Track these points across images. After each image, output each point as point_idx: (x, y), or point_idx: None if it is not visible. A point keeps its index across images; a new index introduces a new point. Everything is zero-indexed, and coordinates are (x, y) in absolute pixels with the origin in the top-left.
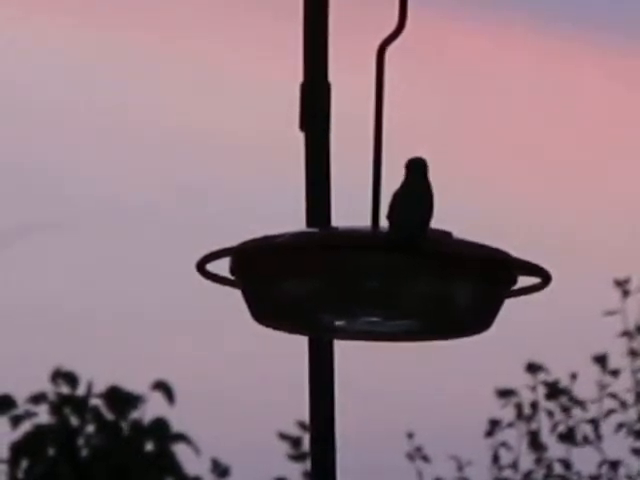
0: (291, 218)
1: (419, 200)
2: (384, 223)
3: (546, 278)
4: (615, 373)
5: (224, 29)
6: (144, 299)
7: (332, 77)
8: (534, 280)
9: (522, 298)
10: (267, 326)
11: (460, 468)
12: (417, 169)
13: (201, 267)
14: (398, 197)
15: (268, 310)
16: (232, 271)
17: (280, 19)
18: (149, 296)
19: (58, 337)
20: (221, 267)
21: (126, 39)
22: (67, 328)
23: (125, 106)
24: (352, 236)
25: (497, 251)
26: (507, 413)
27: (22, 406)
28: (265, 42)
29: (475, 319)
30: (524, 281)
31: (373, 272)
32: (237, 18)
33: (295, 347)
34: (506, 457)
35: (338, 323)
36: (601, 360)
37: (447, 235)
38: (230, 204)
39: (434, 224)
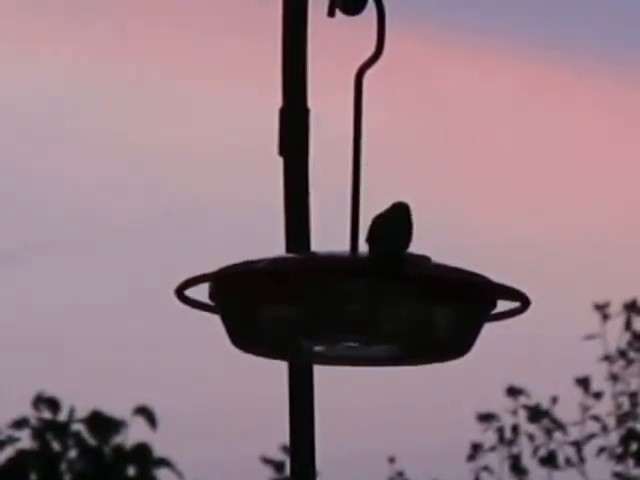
0: (270, 243)
1: (398, 225)
2: (363, 248)
3: (525, 302)
4: (598, 395)
5: (206, 52)
6: (126, 322)
7: (311, 102)
8: (513, 304)
9: (502, 322)
10: (246, 352)
11: None
12: (399, 205)
13: (180, 293)
14: (377, 222)
15: (247, 336)
16: (211, 296)
17: (260, 42)
18: (131, 319)
19: (39, 361)
20: (200, 292)
21: (110, 60)
22: (49, 351)
23: (110, 124)
24: (331, 261)
25: (476, 275)
26: (489, 437)
27: (4, 431)
28: (246, 66)
29: (455, 343)
30: (504, 305)
31: (352, 297)
32: (218, 41)
33: (276, 371)
34: None
35: (318, 348)
36: (584, 382)
37: (426, 260)
38: (209, 228)
39: (412, 248)
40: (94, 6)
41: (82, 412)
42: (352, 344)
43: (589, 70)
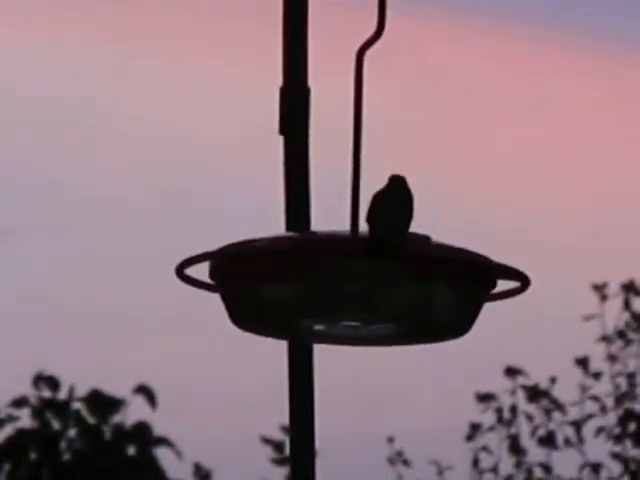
0: (271, 222)
1: (398, 204)
2: (364, 227)
3: (525, 282)
4: (597, 376)
5: (206, 33)
6: (126, 302)
7: (311, 81)
8: (513, 284)
9: (501, 302)
10: (246, 330)
11: (440, 472)
12: (397, 181)
13: (180, 272)
14: (377, 201)
15: (247, 315)
16: (211, 275)
17: (261, 23)
18: (131, 299)
19: (39, 340)
20: (201, 271)
21: (111, 42)
22: (49, 331)
23: (107, 107)
24: (331, 241)
25: (476, 255)
26: (487, 417)
27: (4, 410)
28: (246, 46)
29: (454, 323)
30: (503, 285)
31: (352, 276)
32: (218, 22)
33: (276, 350)
34: (486, 461)
35: (317, 328)
36: (583, 362)
37: (426, 239)
38: (210, 207)
39: (413, 228)
40: None
41: (82, 391)
42: (352, 323)
43: (592, 54)
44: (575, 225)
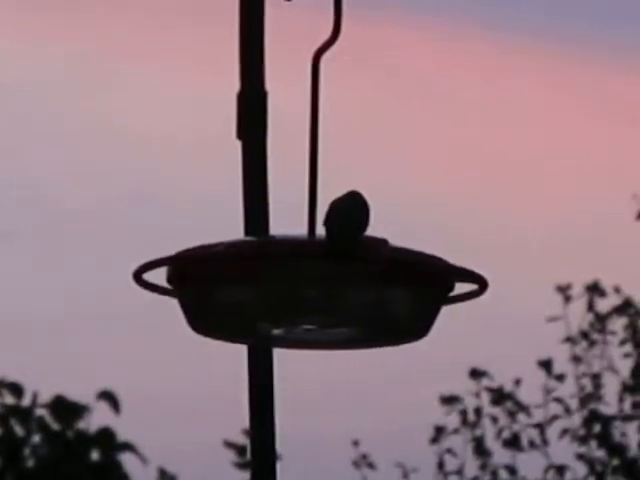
0: (229, 226)
1: (355, 207)
2: (321, 231)
3: (482, 284)
4: (560, 378)
5: (164, 36)
6: (86, 306)
7: (268, 85)
8: (472, 286)
9: (465, 304)
10: (204, 335)
11: (406, 475)
12: (356, 193)
13: (138, 277)
14: (335, 204)
15: (205, 320)
16: (169, 280)
17: (218, 27)
18: (91, 303)
19: (1, 346)
20: (159, 275)
21: (69, 43)
22: (11, 337)
23: (62, 108)
24: (289, 244)
25: (433, 258)
26: (452, 420)
27: None
28: (203, 50)
29: (412, 326)
30: (462, 287)
31: (310, 280)
32: (176, 26)
33: (236, 353)
34: (451, 463)
35: (276, 332)
36: (546, 365)
37: (383, 242)
38: (168, 210)
39: (370, 232)
40: None
41: (45, 397)
42: (310, 327)
43: (559, 54)
44: (539, 226)
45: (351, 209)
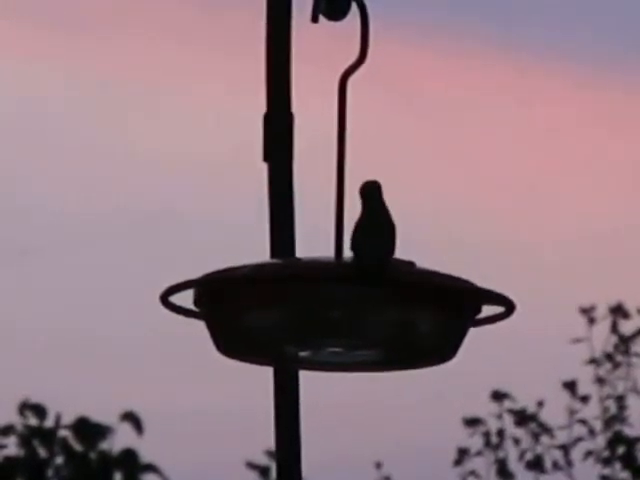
0: (255, 249)
1: (382, 230)
2: (348, 253)
3: (510, 307)
4: (585, 399)
5: (191, 59)
6: (110, 328)
7: (295, 108)
8: (498, 309)
9: (489, 326)
10: (231, 358)
11: None
12: (372, 195)
13: (164, 299)
14: (360, 227)
15: (232, 342)
16: (195, 303)
17: (244, 49)
18: (116, 324)
19: (25, 368)
20: (186, 297)
21: (96, 65)
22: (34, 358)
23: (95, 128)
24: (316, 267)
25: (460, 280)
26: (475, 442)
27: None
28: (230, 72)
29: (439, 349)
30: (489, 310)
31: (337, 303)
32: (202, 48)
33: (262, 376)
34: None
35: (303, 354)
36: (571, 386)
37: (410, 265)
38: (194, 233)
39: (398, 253)
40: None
41: (68, 418)
42: (337, 349)
43: (568, 72)
44: (562, 247)
45: (377, 231)
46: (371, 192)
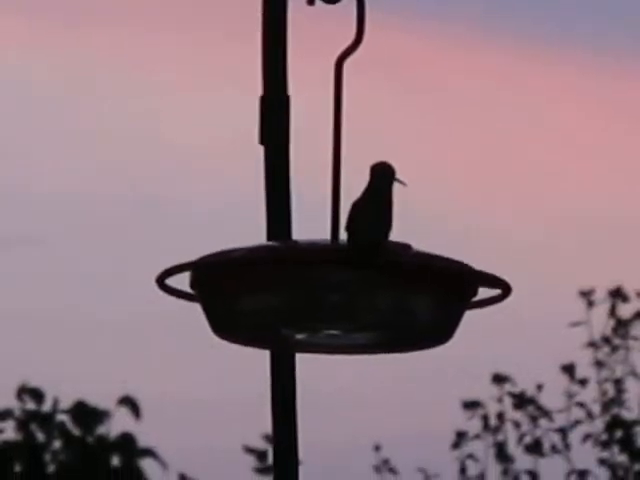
0: (252, 232)
1: (378, 211)
2: (344, 236)
3: (506, 289)
4: (583, 382)
5: (186, 42)
6: (108, 311)
7: (291, 90)
8: (495, 291)
9: (488, 309)
10: (227, 340)
11: None
12: (383, 177)
13: (161, 282)
14: (356, 208)
15: (228, 324)
16: (192, 285)
17: (240, 32)
18: (113, 307)
19: (22, 352)
20: (182, 280)
21: (87, 48)
22: (32, 342)
23: (96, 116)
24: (312, 249)
25: (457, 263)
26: (473, 425)
27: None
28: (226, 54)
29: (436, 331)
30: (485, 292)
31: (333, 285)
32: (198, 31)
33: (259, 357)
34: (473, 469)
35: (299, 337)
36: (569, 369)
37: (406, 247)
38: (192, 215)
39: (395, 235)
40: None
41: (66, 403)
42: (333, 332)
43: (571, 62)
44: (561, 230)
45: (374, 213)
46: (382, 173)
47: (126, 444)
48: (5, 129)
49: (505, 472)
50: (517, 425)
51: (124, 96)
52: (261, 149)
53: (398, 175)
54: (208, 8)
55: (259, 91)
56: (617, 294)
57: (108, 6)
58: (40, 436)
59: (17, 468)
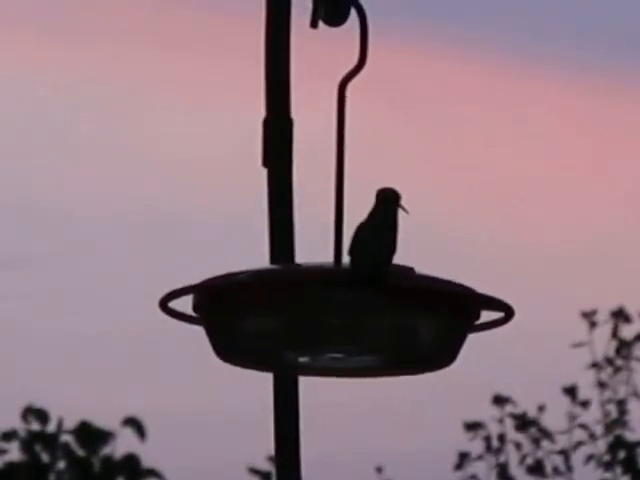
0: (255, 255)
1: (381, 235)
2: (347, 259)
3: (509, 313)
4: (585, 404)
5: (191, 65)
6: (110, 332)
7: (294, 113)
8: (498, 314)
9: (491, 330)
10: (230, 363)
11: None
12: (388, 202)
13: (164, 305)
14: (360, 232)
15: (231, 348)
16: (195, 308)
17: (243, 55)
18: (116, 329)
19: (27, 373)
20: (185, 303)
21: (98, 68)
22: (36, 362)
23: (99, 133)
24: (315, 272)
25: (459, 286)
26: (476, 446)
27: None
28: (229, 78)
29: (438, 354)
30: (488, 315)
31: (336, 308)
32: (202, 54)
33: (263, 379)
34: None
35: (302, 360)
36: (571, 391)
37: (409, 270)
38: (194, 238)
39: (397, 258)
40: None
41: (70, 423)
42: (336, 355)
43: (570, 73)
44: (563, 251)
45: (377, 236)
46: (387, 199)
47: (130, 465)
48: None
49: None
50: (518, 446)
51: (125, 113)
52: (264, 172)
53: (403, 202)
54: (212, 29)
55: (262, 110)
56: (619, 315)
57: (112, 23)
58: (45, 457)
59: None
